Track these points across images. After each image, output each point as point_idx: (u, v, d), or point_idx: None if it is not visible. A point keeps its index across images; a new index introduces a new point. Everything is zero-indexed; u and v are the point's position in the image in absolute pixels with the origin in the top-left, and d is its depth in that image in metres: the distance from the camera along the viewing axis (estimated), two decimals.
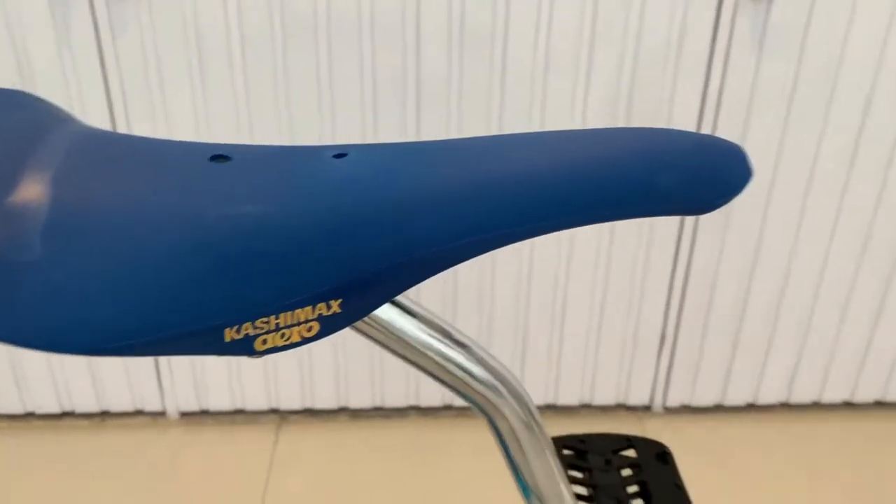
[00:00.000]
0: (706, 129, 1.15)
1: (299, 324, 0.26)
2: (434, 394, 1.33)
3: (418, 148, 0.27)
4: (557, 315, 1.28)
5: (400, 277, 0.26)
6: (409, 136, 1.14)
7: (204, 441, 1.29)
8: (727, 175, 0.28)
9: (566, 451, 0.59)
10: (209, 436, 1.30)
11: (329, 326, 0.27)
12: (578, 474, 0.58)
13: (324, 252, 0.24)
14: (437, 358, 0.31)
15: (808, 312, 1.28)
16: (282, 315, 0.26)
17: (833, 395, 1.36)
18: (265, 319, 0.25)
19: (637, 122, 1.14)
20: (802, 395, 1.36)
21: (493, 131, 1.13)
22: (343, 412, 1.35)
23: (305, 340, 0.27)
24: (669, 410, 1.37)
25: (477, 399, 0.33)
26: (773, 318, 1.28)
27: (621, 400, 1.36)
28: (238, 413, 1.34)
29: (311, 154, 0.27)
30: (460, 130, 1.13)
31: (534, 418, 0.34)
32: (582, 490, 0.57)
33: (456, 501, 1.19)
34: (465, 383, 0.32)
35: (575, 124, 1.14)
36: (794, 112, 1.13)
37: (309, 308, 0.25)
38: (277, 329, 0.26)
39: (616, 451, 0.59)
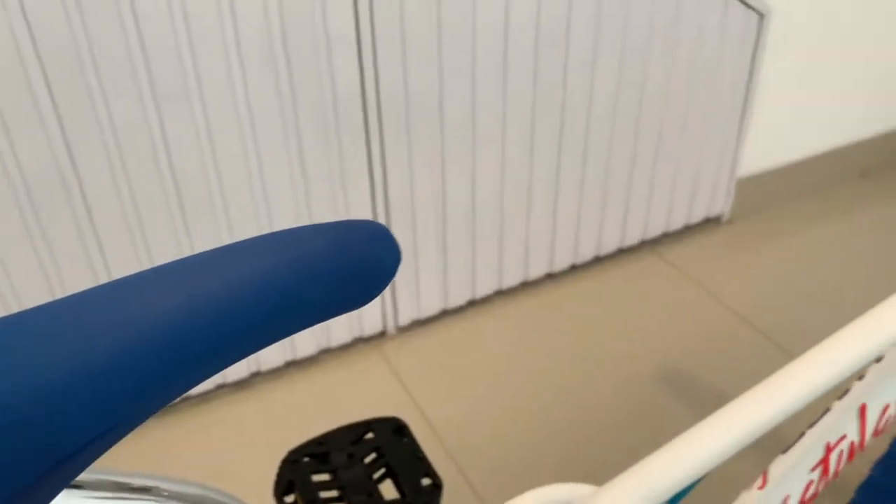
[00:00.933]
0: (365, 35, 1.12)
1: None
2: None
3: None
4: None
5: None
6: (49, 124, 1.00)
7: None
8: (378, 266, 0.27)
9: (307, 459, 0.59)
10: None
11: None
12: (325, 477, 0.58)
13: None
14: None
15: (498, 207, 1.38)
16: None
17: (536, 271, 1.50)
18: None
19: (296, 50, 1.10)
20: (511, 279, 1.49)
21: (146, 94, 1.03)
22: None
23: None
24: (402, 329, 1.43)
25: None
26: (470, 221, 1.37)
27: (357, 334, 1.39)
28: None
29: None
30: (107, 106, 1.01)
31: None
32: (332, 493, 0.57)
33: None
34: None
35: (234, 67, 1.07)
36: (443, 5, 1.16)
37: None
38: None
39: (356, 441, 0.60)
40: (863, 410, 0.58)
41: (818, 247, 1.64)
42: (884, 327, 0.55)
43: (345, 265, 0.26)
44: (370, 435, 0.61)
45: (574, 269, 1.56)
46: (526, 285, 1.52)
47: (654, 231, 1.60)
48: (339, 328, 1.36)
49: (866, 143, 1.77)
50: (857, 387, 0.59)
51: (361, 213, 1.27)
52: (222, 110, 1.08)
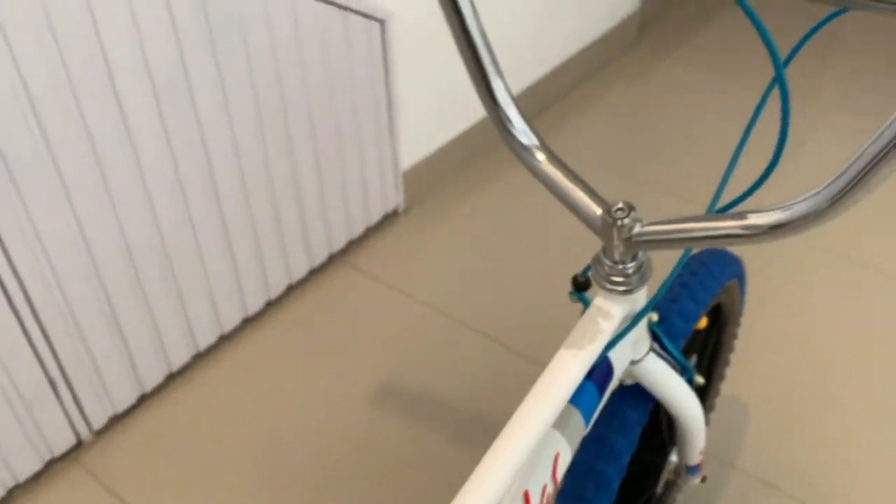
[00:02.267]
0: None
1: None
2: None
3: None
4: None
5: None
6: None
7: None
8: None
9: None
10: None
11: None
12: None
13: None
14: None
15: (165, 263, 1.28)
16: None
17: (231, 321, 1.44)
18: None
19: None
20: (207, 338, 1.41)
21: None
22: None
23: None
24: (100, 433, 1.30)
25: None
26: (137, 286, 1.25)
27: (47, 457, 1.24)
28: None
29: None
30: None
31: None
32: None
33: None
34: None
35: None
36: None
37: None
38: None
39: None
40: (527, 496, 0.63)
41: (483, 215, 1.76)
42: (537, 420, 0.59)
43: None
44: None
45: (270, 305, 1.52)
46: (224, 338, 1.45)
47: (340, 242, 1.61)
48: (21, 455, 1.20)
49: None
50: (519, 475, 0.64)
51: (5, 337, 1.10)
52: None
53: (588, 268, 0.73)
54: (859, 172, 0.47)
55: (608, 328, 0.63)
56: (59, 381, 1.21)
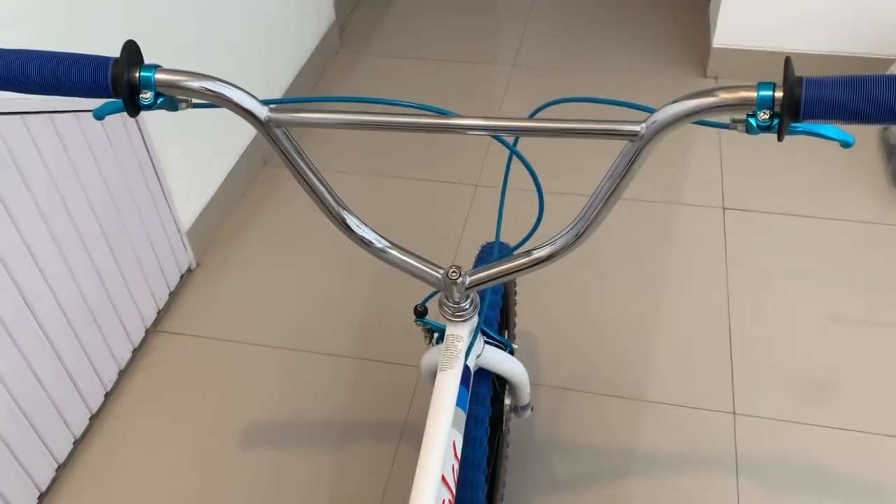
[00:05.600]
0: None
1: None
2: None
3: None
4: None
5: None
6: None
7: None
8: None
9: None
10: None
11: None
12: None
13: None
14: None
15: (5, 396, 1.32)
16: None
17: (78, 429, 1.50)
18: None
19: None
20: (62, 450, 1.47)
21: None
22: None
23: None
24: None
25: None
26: None
27: None
28: None
29: None
30: None
31: None
32: None
33: None
34: None
35: None
36: None
37: None
38: None
39: None
40: (444, 480, 0.89)
41: (268, 242, 1.93)
42: (442, 431, 0.84)
43: None
44: None
45: (108, 396, 1.59)
46: (78, 442, 1.51)
47: (150, 315, 1.70)
48: None
49: (257, 139, 2.07)
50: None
51: None
52: None
53: (426, 300, 1.00)
54: (588, 218, 0.77)
55: (463, 346, 0.90)
56: None
